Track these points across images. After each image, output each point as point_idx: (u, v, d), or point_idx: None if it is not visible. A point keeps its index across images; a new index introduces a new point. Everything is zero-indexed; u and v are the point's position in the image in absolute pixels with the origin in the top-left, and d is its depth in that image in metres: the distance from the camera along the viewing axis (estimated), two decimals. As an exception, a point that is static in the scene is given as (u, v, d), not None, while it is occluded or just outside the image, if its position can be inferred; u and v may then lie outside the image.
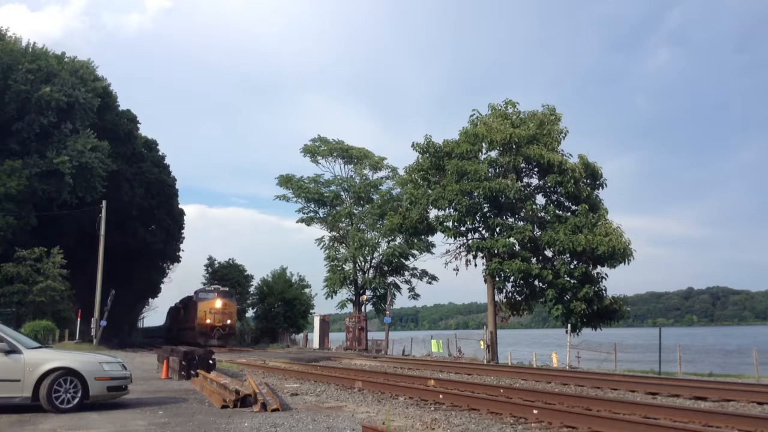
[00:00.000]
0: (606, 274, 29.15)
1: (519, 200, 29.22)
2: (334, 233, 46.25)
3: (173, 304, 57.56)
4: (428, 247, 41.81)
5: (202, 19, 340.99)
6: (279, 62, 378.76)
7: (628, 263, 28.03)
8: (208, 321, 40.20)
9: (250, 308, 55.64)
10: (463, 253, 30.60)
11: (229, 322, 41.19)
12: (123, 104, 49.22)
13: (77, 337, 34.57)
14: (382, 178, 46.33)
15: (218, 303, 41.01)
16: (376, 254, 43.83)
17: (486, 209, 29.73)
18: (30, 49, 39.03)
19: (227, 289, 45.38)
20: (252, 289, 55.33)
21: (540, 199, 30.96)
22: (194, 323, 41.36)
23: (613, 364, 26.37)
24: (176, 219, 60.44)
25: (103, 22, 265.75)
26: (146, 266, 57.82)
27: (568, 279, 28.18)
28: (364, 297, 42.72)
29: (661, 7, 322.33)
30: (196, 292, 44.24)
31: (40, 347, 10.15)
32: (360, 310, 42.41)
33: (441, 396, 10.11)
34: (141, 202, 47.60)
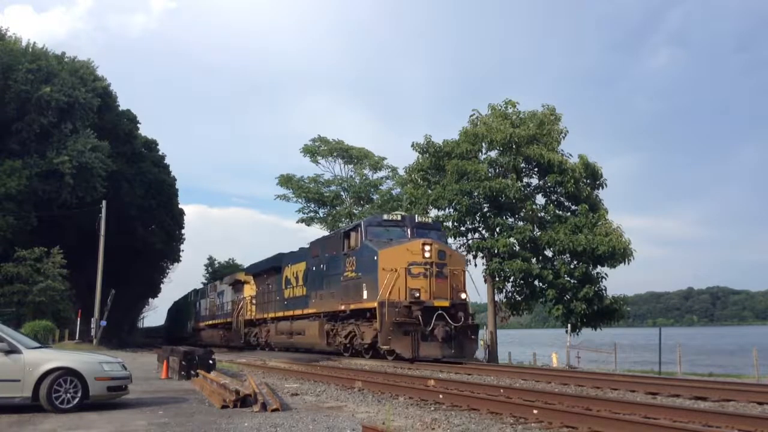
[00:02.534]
0: (606, 274, 29.17)
1: (519, 200, 29.20)
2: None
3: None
4: (428, 247, 41.71)
5: (205, 20, 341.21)
6: (280, 62, 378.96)
7: (628, 263, 28.05)
8: (416, 294, 18.15)
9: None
10: (463, 253, 30.60)
11: (463, 296, 19.16)
12: (124, 104, 49.38)
13: (77, 337, 34.57)
14: (382, 178, 46.33)
15: (427, 251, 18.44)
16: (376, 254, 43.74)
17: (486, 209, 29.72)
18: (30, 49, 39.05)
19: (430, 219, 22.50)
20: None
21: (540, 199, 30.98)
22: (361, 297, 19.30)
23: (613, 364, 26.40)
24: (176, 219, 60.46)
25: (108, 23, 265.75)
26: (146, 266, 57.84)
27: (568, 279, 28.17)
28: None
29: (661, 7, 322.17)
30: (355, 228, 20.80)
31: (40, 347, 10.14)
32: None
33: (441, 396, 10.10)
34: (141, 202, 47.59)
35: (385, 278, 18.33)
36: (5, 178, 34.17)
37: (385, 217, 21.17)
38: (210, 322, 39.63)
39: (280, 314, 26.33)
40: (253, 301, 30.66)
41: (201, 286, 54.82)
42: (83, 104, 38.47)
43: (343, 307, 20.58)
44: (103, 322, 35.32)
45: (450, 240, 30.25)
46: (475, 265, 30.01)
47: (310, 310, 23.25)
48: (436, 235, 20.31)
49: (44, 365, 9.03)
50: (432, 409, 9.35)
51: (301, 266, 24.88)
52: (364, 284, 19.36)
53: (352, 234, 20.80)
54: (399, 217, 20.86)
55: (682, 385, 11.43)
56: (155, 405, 9.95)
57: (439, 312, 18.03)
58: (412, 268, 18.51)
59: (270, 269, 28.83)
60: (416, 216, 21.81)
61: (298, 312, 24.42)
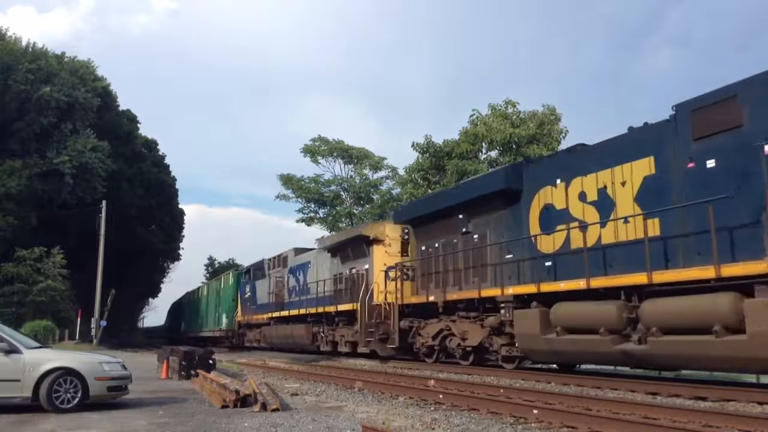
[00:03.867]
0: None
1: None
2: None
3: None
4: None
5: (206, 20, 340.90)
6: (282, 62, 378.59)
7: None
8: None
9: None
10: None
11: None
12: (125, 104, 49.66)
13: (77, 337, 34.61)
14: (382, 178, 46.45)
15: None
16: (376, 254, 43.74)
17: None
18: (30, 49, 39.08)
19: None
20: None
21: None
22: None
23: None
24: (176, 219, 60.58)
25: (110, 24, 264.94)
26: (146, 266, 57.91)
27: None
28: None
29: (662, 7, 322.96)
30: None
31: (40, 347, 10.14)
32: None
33: (441, 396, 10.10)
34: (141, 202, 47.67)
35: None
36: (5, 178, 34.19)
37: None
38: (277, 314, 26.13)
39: (563, 285, 12.22)
40: (411, 273, 17.44)
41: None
42: (83, 104, 38.53)
43: None
44: (103, 322, 35.33)
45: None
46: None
47: None
48: None
49: (44, 365, 9.02)
50: (432, 409, 9.35)
51: (617, 173, 11.46)
52: None
53: None
54: None
55: (682, 385, 11.41)
56: (155, 405, 9.95)
57: None
58: None
59: (476, 201, 15.07)
60: None
61: (672, 275, 10.12)
